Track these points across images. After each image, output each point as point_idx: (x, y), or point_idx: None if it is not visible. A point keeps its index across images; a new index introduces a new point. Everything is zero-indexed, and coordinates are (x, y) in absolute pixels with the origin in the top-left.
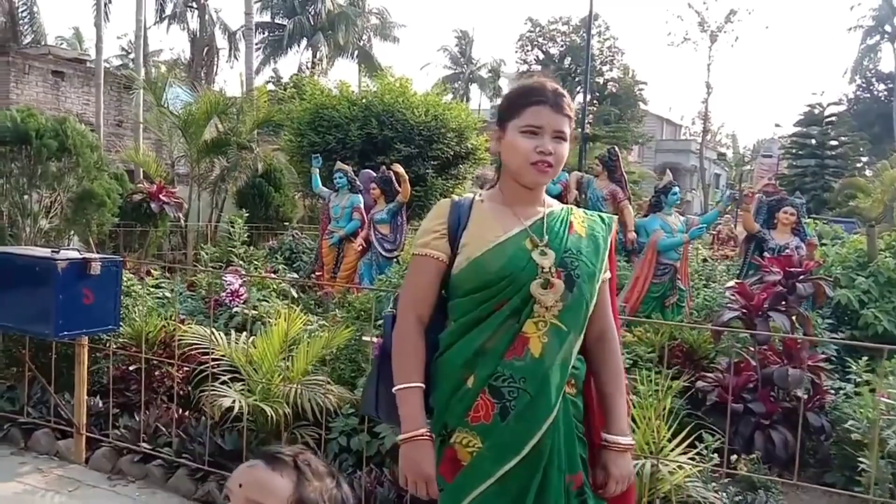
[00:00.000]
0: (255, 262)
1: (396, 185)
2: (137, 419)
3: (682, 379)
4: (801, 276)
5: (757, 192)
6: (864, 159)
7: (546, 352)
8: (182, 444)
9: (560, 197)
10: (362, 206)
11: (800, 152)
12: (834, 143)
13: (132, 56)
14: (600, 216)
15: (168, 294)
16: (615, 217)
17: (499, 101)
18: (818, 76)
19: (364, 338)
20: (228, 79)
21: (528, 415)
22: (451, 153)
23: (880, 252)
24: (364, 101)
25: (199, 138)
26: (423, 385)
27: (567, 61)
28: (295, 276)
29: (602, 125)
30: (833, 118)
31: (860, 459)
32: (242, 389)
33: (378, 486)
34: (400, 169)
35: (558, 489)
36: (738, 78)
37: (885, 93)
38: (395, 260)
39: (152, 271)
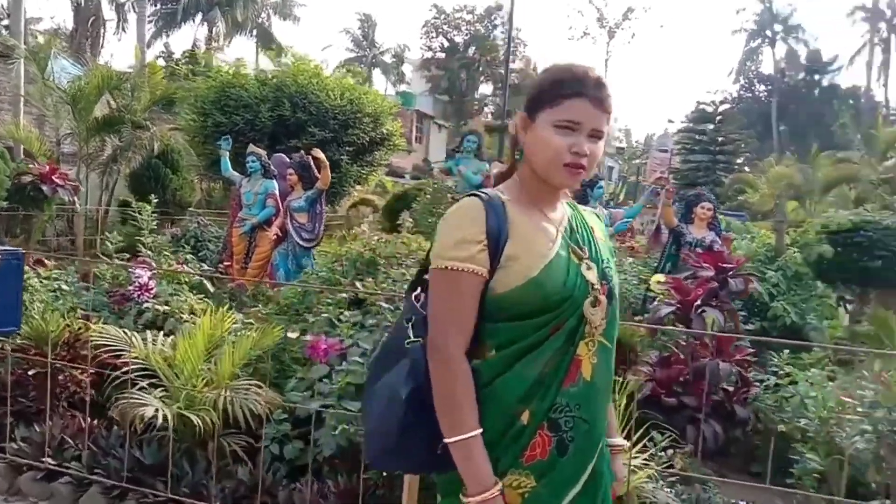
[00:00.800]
0: (165, 253)
1: (315, 171)
2: (39, 430)
3: (624, 376)
4: (732, 272)
5: (651, 185)
6: (747, 155)
7: (596, 373)
8: (93, 458)
9: (480, 188)
10: (277, 192)
11: (694, 148)
12: (722, 139)
13: (5, 23)
14: (594, 213)
15: (65, 287)
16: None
17: (404, 86)
18: (707, 75)
19: (290, 335)
20: (116, 52)
21: (587, 444)
22: (367, 139)
23: (788, 247)
24: (275, 80)
25: (90, 115)
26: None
27: (471, 50)
28: (204, 266)
29: (507, 116)
30: (721, 116)
31: (809, 456)
32: (163, 396)
33: (321, 500)
34: (320, 154)
35: None
36: (633, 74)
37: (765, 93)
38: (312, 250)
39: (45, 261)
